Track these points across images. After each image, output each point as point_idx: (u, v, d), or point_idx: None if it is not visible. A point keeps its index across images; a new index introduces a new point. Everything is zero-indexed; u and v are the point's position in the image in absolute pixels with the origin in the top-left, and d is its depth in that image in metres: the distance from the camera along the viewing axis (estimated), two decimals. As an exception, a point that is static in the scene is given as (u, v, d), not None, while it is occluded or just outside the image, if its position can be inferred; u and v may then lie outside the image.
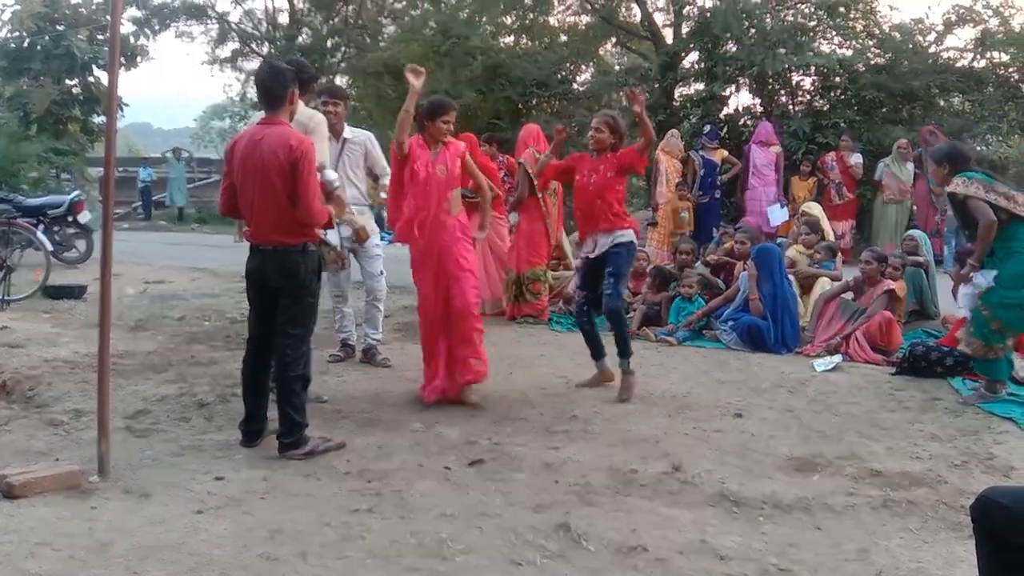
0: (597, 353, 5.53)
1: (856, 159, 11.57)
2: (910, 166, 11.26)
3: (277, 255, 4.11)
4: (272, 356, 4.19)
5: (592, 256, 5.40)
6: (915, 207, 11.51)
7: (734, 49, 14.02)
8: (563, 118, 16.11)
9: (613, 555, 3.07)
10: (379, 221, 6.61)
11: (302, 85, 4.61)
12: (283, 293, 4.16)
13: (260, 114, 4.45)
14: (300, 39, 23.38)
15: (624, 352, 5.29)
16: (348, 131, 5.97)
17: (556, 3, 19.38)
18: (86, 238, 12.12)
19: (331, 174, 4.54)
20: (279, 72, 4.19)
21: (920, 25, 13.97)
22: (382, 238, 6.83)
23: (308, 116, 4.77)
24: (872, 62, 13.61)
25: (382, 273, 6.09)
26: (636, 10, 18.13)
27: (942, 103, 13.78)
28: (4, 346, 6.39)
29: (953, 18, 13.60)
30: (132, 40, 19.83)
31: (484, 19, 19.02)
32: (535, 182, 7.69)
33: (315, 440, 4.19)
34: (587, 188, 5.34)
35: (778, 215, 11.17)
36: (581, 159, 5.53)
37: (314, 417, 4.48)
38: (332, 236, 4.59)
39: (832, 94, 14.01)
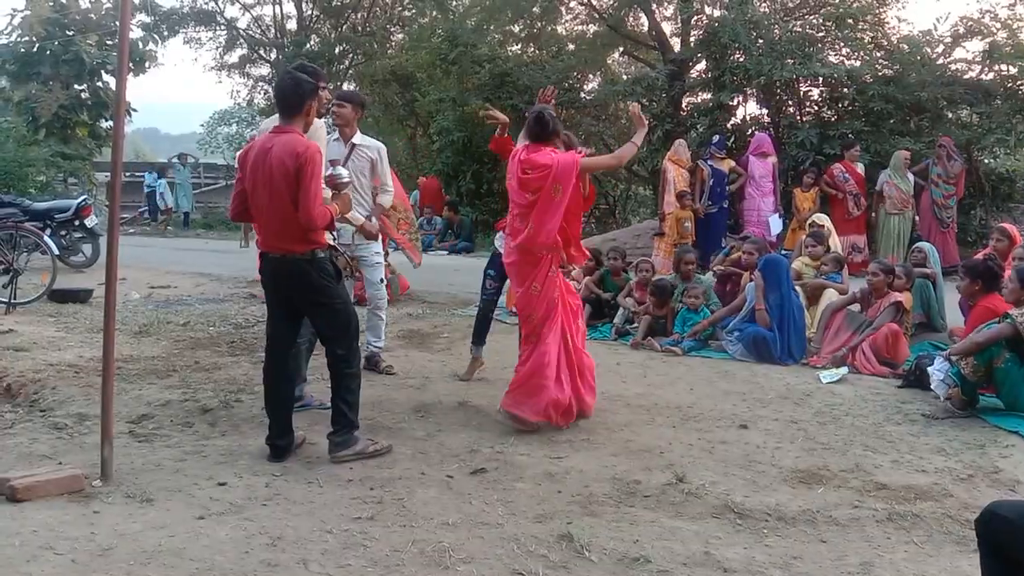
0: (481, 339, 5.89)
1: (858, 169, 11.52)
2: (911, 176, 11.21)
3: (285, 264, 4.13)
4: (328, 360, 4.26)
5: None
6: (917, 218, 11.48)
7: (741, 59, 14.01)
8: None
9: (615, 566, 3.06)
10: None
11: None
12: (304, 301, 4.19)
13: (268, 120, 4.45)
14: (308, 46, 23.49)
15: (478, 341, 5.90)
16: (359, 137, 5.79)
17: (564, 12, 19.49)
18: (92, 242, 12.15)
19: (342, 170, 4.52)
20: (300, 81, 4.18)
21: (928, 37, 13.95)
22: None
23: None
24: (880, 73, 13.59)
25: (382, 281, 6.07)
26: (644, 19, 18.21)
27: (950, 115, 13.73)
28: (9, 349, 6.40)
29: (961, 30, 13.58)
30: (141, 46, 19.91)
31: (492, 27, 19.11)
32: None
33: (364, 440, 4.20)
34: None
35: (777, 224, 11.13)
36: None
37: (317, 424, 4.48)
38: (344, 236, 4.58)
39: (840, 105, 14.00)
